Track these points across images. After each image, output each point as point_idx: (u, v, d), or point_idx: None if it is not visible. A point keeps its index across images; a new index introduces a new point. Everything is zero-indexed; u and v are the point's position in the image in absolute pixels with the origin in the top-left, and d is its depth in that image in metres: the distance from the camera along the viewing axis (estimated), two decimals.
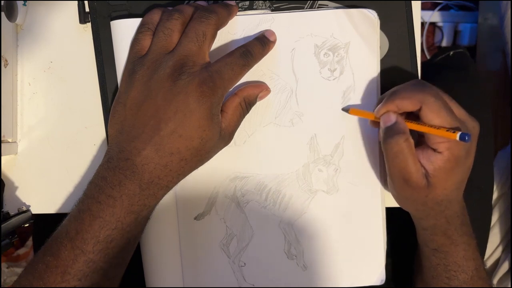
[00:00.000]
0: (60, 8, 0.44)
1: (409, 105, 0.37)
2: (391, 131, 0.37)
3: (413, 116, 0.38)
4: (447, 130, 0.35)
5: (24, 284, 0.35)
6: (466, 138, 0.34)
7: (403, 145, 0.36)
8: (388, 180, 0.40)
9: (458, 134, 0.35)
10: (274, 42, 0.41)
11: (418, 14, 0.44)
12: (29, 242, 0.98)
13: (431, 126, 0.36)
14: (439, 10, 1.11)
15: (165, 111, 0.35)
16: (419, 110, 0.36)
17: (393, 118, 0.37)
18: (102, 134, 0.44)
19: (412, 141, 0.37)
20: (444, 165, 0.36)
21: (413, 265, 0.46)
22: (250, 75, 0.40)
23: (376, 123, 0.40)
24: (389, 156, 0.37)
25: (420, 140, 0.39)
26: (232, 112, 0.38)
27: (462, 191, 0.39)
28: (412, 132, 0.37)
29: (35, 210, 0.44)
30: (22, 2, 0.44)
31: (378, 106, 0.38)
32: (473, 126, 0.38)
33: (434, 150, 0.37)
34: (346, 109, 0.42)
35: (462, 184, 0.39)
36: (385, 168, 0.40)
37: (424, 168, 0.37)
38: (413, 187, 0.37)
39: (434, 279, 0.41)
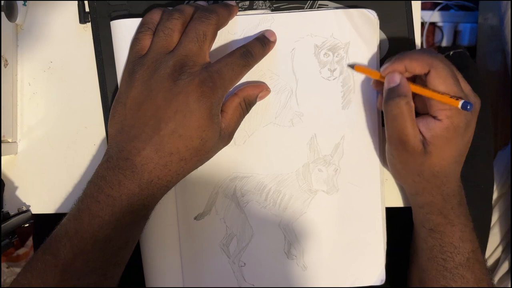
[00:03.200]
0: (60, 8, 0.45)
1: (417, 67, 0.37)
2: (393, 93, 0.37)
3: (419, 82, 0.38)
4: (450, 97, 0.35)
5: (23, 283, 0.35)
6: (468, 107, 0.34)
7: (404, 107, 0.36)
8: (386, 147, 0.40)
9: (460, 102, 0.35)
10: (274, 42, 0.41)
11: (418, 14, 0.44)
12: (29, 242, 0.98)
13: (435, 91, 0.36)
14: (439, 10, 1.11)
15: (165, 111, 0.35)
16: (427, 74, 0.36)
17: (397, 79, 0.37)
18: (102, 134, 0.44)
19: (412, 104, 0.37)
20: (442, 133, 0.36)
21: (409, 253, 0.46)
22: (250, 75, 0.40)
23: (379, 85, 0.40)
24: (388, 117, 0.37)
25: (422, 109, 0.39)
26: (232, 112, 0.38)
27: (460, 167, 0.39)
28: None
29: (35, 210, 0.44)
30: (22, 2, 0.44)
31: (385, 65, 0.38)
32: (475, 101, 0.38)
33: (434, 117, 0.37)
34: (351, 66, 0.42)
35: (460, 158, 0.39)
36: (385, 147, 0.40)
37: (423, 135, 0.37)
38: (409, 152, 0.37)
39: (429, 261, 0.41)
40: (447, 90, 0.36)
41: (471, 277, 0.40)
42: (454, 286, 0.40)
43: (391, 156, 0.40)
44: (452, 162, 0.38)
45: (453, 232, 0.40)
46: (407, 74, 0.38)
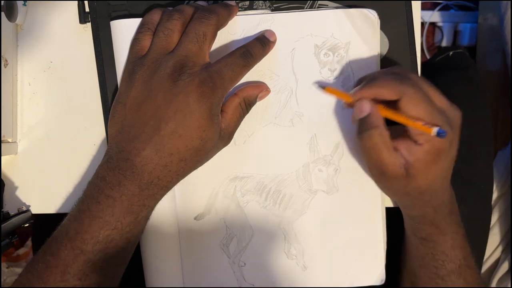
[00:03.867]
0: (60, 8, 0.44)
1: (387, 95, 0.36)
2: (365, 124, 0.36)
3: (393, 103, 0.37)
4: (424, 124, 0.34)
5: (24, 283, 0.35)
6: (442, 134, 0.34)
7: (377, 139, 0.36)
8: (369, 173, 0.40)
9: (434, 130, 0.34)
10: (274, 42, 0.41)
11: (418, 14, 0.44)
12: (29, 242, 0.98)
13: (408, 117, 0.35)
14: (439, 10, 1.11)
15: (165, 111, 0.35)
16: (398, 100, 0.36)
17: (367, 108, 0.36)
18: (102, 134, 0.44)
19: (386, 133, 0.36)
20: (424, 157, 0.36)
21: (400, 255, 0.46)
22: (250, 75, 0.40)
23: (351, 105, 0.39)
24: (363, 149, 0.37)
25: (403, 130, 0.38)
26: (232, 112, 0.38)
27: (448, 180, 0.39)
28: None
29: (35, 210, 0.44)
30: (22, 2, 0.44)
31: (355, 89, 0.37)
32: (455, 115, 0.37)
33: (415, 141, 0.36)
34: (322, 86, 0.41)
35: (446, 173, 0.38)
36: None
37: (405, 159, 0.36)
38: (391, 178, 0.37)
39: (421, 268, 0.41)
40: (421, 115, 0.35)
41: (462, 283, 0.40)
42: None
43: (375, 182, 0.40)
44: (438, 180, 0.37)
45: (445, 241, 0.40)
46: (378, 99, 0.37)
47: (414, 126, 0.35)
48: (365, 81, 0.37)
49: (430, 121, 0.35)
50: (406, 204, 0.40)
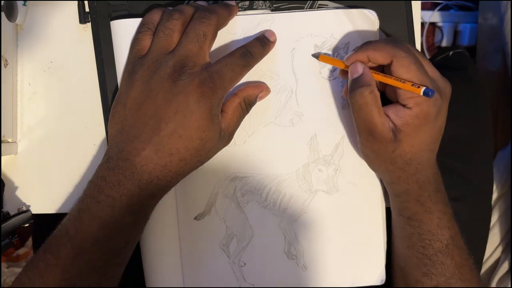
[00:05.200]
0: (60, 8, 0.44)
1: (379, 57, 0.37)
2: (357, 83, 0.37)
3: (387, 71, 0.38)
4: (412, 85, 0.35)
5: (24, 282, 0.35)
6: (430, 93, 0.34)
7: (368, 97, 0.36)
8: (357, 137, 0.40)
9: (422, 89, 0.35)
10: (274, 42, 0.41)
11: (418, 14, 0.44)
12: (29, 242, 0.98)
13: (397, 79, 0.36)
14: (439, 10, 1.11)
15: (165, 111, 0.35)
16: (390, 64, 0.36)
17: (360, 69, 0.37)
18: (102, 134, 0.44)
19: (377, 93, 0.37)
20: (412, 120, 0.36)
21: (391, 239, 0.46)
22: (250, 75, 0.40)
23: (344, 74, 0.40)
24: (354, 108, 0.37)
25: (395, 98, 0.39)
26: (232, 112, 0.38)
27: (434, 154, 0.39)
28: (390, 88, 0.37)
29: (35, 210, 0.44)
30: (22, 2, 0.44)
31: (349, 54, 0.38)
32: (445, 87, 0.38)
33: (404, 105, 0.36)
34: (316, 56, 0.42)
35: (432, 145, 0.38)
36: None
37: (393, 123, 0.37)
38: (379, 140, 0.37)
39: (409, 249, 0.41)
40: (410, 77, 0.36)
41: (451, 263, 0.40)
42: (434, 272, 0.40)
43: (362, 146, 0.40)
44: (424, 149, 0.38)
45: (431, 219, 0.39)
46: (371, 64, 0.38)
47: (403, 87, 0.36)
48: (359, 47, 0.38)
49: (419, 83, 0.35)
50: (392, 177, 0.40)
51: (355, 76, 0.37)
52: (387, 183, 0.41)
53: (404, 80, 0.36)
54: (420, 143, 0.37)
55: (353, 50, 0.38)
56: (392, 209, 0.43)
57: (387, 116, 0.37)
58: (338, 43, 0.42)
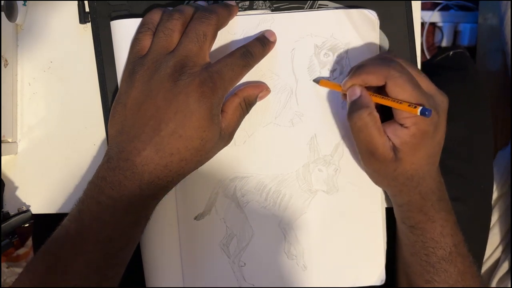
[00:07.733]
0: (60, 8, 0.44)
1: (374, 80, 0.37)
2: (355, 105, 0.37)
3: (384, 90, 0.38)
4: (409, 105, 0.35)
5: (24, 283, 0.35)
6: (427, 113, 0.34)
7: (367, 119, 0.36)
8: (359, 157, 0.40)
9: (419, 109, 0.35)
10: (274, 42, 0.41)
11: (418, 14, 0.44)
12: (29, 242, 0.98)
13: (394, 100, 0.36)
14: (439, 10, 1.11)
15: (165, 111, 0.35)
16: (385, 85, 0.36)
17: (357, 92, 0.37)
18: (102, 134, 0.44)
19: (376, 114, 0.37)
20: (410, 139, 0.36)
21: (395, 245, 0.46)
22: (250, 75, 0.40)
23: (346, 97, 0.40)
24: (354, 130, 0.37)
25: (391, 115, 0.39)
26: (232, 112, 0.38)
27: (435, 166, 0.39)
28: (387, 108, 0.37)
29: (35, 210, 0.44)
30: (22, 2, 0.44)
31: (345, 79, 0.38)
32: (442, 100, 0.38)
33: (401, 125, 0.37)
34: (316, 81, 0.42)
35: (433, 159, 0.39)
36: None
37: (392, 143, 0.37)
38: (380, 160, 0.37)
39: (413, 256, 0.41)
40: (406, 97, 0.36)
41: (454, 271, 0.40)
42: (437, 280, 0.40)
43: (364, 166, 0.40)
44: (424, 164, 0.38)
45: (434, 228, 0.39)
46: (366, 85, 0.38)
47: (400, 108, 0.36)
48: (353, 71, 0.38)
49: (416, 103, 0.35)
50: (394, 191, 0.40)
51: (353, 99, 0.37)
52: (390, 195, 0.41)
53: (400, 101, 0.36)
54: (420, 160, 0.37)
55: (349, 72, 0.39)
56: (396, 217, 0.43)
57: (386, 134, 0.37)
58: (338, 43, 0.42)
